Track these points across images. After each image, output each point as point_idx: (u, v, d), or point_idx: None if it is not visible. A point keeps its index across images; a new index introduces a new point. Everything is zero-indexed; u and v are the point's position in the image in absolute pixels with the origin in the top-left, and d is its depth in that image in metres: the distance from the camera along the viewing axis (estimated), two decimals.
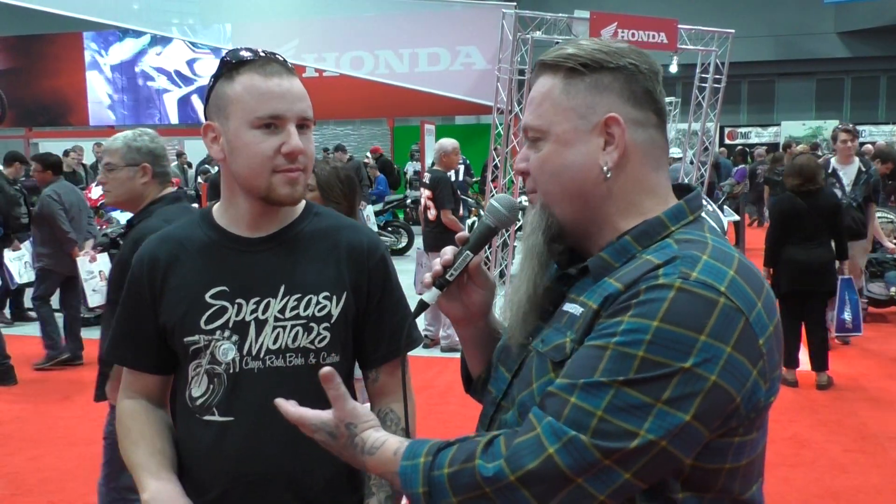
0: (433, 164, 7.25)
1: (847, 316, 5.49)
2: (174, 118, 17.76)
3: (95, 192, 9.88)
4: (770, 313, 0.96)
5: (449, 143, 6.73)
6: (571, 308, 1.04)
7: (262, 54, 1.38)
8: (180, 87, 17.60)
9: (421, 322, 6.84)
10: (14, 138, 18.65)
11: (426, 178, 6.71)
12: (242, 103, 1.34)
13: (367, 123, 19.11)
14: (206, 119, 1.42)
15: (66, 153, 12.27)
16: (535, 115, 1.08)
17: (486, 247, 1.23)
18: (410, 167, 16.47)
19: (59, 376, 6.09)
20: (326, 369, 1.10)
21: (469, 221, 11.31)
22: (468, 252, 1.15)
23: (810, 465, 4.23)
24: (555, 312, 1.09)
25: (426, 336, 6.66)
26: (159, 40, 16.38)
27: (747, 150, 15.98)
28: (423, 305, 1.17)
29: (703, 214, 1.08)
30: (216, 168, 12.10)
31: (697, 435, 0.91)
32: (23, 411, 5.28)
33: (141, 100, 17.98)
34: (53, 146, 12.84)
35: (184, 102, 17.73)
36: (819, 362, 5.49)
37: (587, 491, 0.91)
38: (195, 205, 11.94)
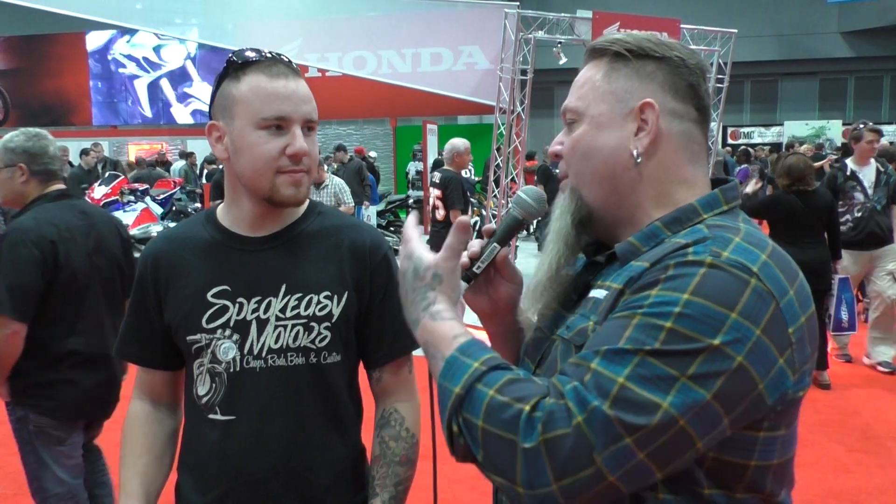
0: (437, 163, 7.23)
1: (844, 315, 5.49)
2: (145, 103, 18.38)
3: (98, 191, 9.91)
4: (803, 304, 0.93)
5: (461, 142, 6.72)
6: (597, 293, 1.03)
7: (268, 55, 1.38)
8: (149, 72, 18.27)
9: None
10: None
11: (436, 177, 6.63)
12: (248, 104, 1.34)
13: (369, 123, 19.13)
14: (210, 118, 1.43)
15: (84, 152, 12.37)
16: (574, 97, 1.09)
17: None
18: (412, 167, 16.47)
19: None
20: (463, 218, 1.05)
21: (472, 221, 11.29)
22: (495, 244, 1.13)
23: (813, 466, 4.23)
24: (579, 302, 1.08)
25: None
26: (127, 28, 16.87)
27: (750, 149, 15.89)
28: None
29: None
30: (220, 167, 12.10)
31: (716, 418, 0.86)
32: None
33: (115, 87, 18.56)
34: (76, 145, 12.88)
35: (153, 87, 18.30)
36: (819, 361, 5.49)
37: (601, 471, 0.85)
38: (198, 204, 11.97)
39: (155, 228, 8.17)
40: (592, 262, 1.10)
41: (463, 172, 7.06)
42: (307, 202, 1.50)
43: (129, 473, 1.48)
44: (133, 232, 7.87)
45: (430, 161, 13.47)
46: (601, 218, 1.07)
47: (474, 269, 1.13)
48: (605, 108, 1.05)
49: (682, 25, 8.50)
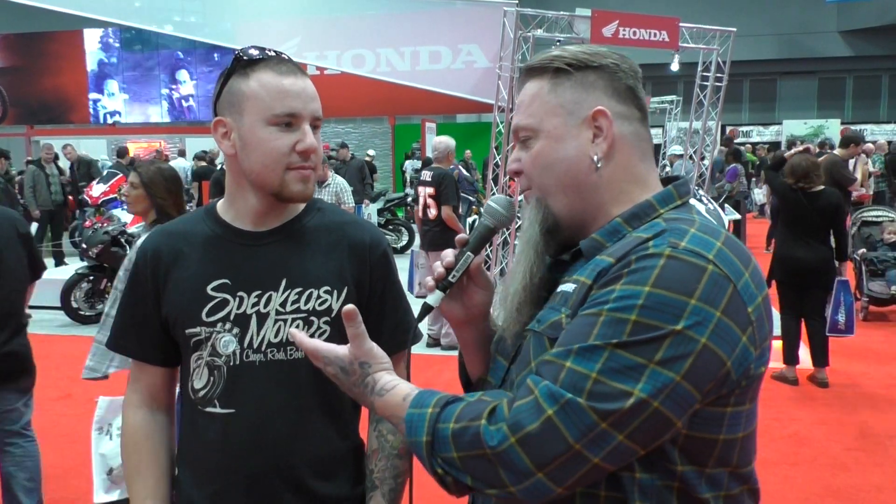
0: (427, 161, 7.21)
1: (840, 318, 5.48)
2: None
3: (96, 189, 9.90)
4: (758, 285, 1.00)
5: (452, 140, 6.73)
6: (565, 287, 1.08)
7: (273, 53, 1.39)
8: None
9: (423, 322, 6.82)
10: (15, 136, 18.68)
11: (427, 175, 6.59)
12: (259, 100, 1.36)
13: (368, 121, 19.13)
14: (216, 115, 1.43)
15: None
16: (525, 115, 1.14)
17: (487, 246, 1.23)
18: (409, 165, 16.47)
19: (60, 374, 6.09)
20: (349, 307, 1.11)
21: (469, 220, 11.31)
22: (469, 253, 1.16)
23: (811, 464, 4.23)
24: (549, 298, 1.13)
25: (428, 335, 6.65)
26: None
27: (740, 149, 15.69)
28: (426, 308, 1.18)
29: (693, 202, 1.12)
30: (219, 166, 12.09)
31: (688, 396, 0.93)
32: None
33: None
34: (54, 144, 12.83)
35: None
36: (819, 358, 5.48)
37: (583, 455, 0.93)
38: (191, 204, 11.95)
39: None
40: (558, 260, 1.15)
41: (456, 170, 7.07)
42: None
43: (142, 494, 1.48)
44: (131, 230, 7.85)
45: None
46: (568, 224, 1.12)
47: (449, 278, 1.16)
48: (557, 121, 1.10)
49: (680, 24, 8.50)
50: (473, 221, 11.41)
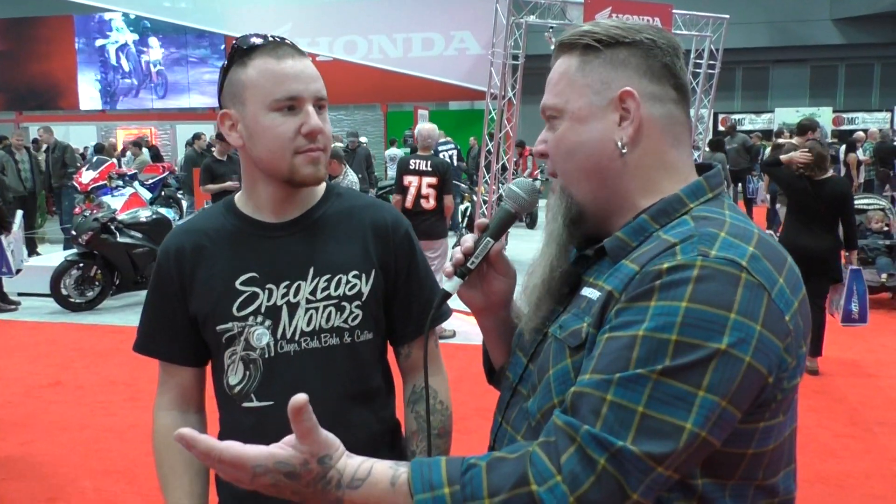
0: (413, 149, 7.10)
1: (854, 307, 5.47)
2: None
3: (86, 176, 9.84)
4: (794, 289, 0.93)
5: (436, 128, 6.66)
6: (590, 293, 1.01)
7: (272, 38, 1.38)
8: None
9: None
10: (5, 122, 18.55)
11: (424, 164, 6.34)
12: (258, 87, 1.35)
13: (360, 108, 19.06)
14: (221, 107, 1.42)
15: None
16: (551, 94, 1.07)
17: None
18: (397, 153, 16.44)
19: (50, 361, 6.08)
20: (299, 398, 0.92)
21: (462, 207, 11.30)
22: (489, 239, 1.11)
23: (800, 450, 4.21)
24: (571, 295, 1.07)
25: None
26: None
27: (747, 137, 15.45)
28: (445, 295, 1.14)
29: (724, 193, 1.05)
30: (200, 150, 11.99)
31: (731, 418, 0.88)
32: (13, 396, 5.26)
33: None
34: (31, 128, 12.63)
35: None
36: (813, 347, 5.48)
37: (626, 492, 0.85)
38: (181, 192, 11.83)
39: (143, 213, 8.11)
40: (581, 255, 1.09)
41: (447, 158, 7.01)
42: (324, 185, 1.50)
43: (178, 494, 1.47)
44: (121, 217, 7.82)
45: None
46: (592, 213, 1.06)
47: (468, 264, 1.11)
48: (583, 102, 1.03)
49: (674, 11, 8.48)
50: (466, 209, 11.41)
